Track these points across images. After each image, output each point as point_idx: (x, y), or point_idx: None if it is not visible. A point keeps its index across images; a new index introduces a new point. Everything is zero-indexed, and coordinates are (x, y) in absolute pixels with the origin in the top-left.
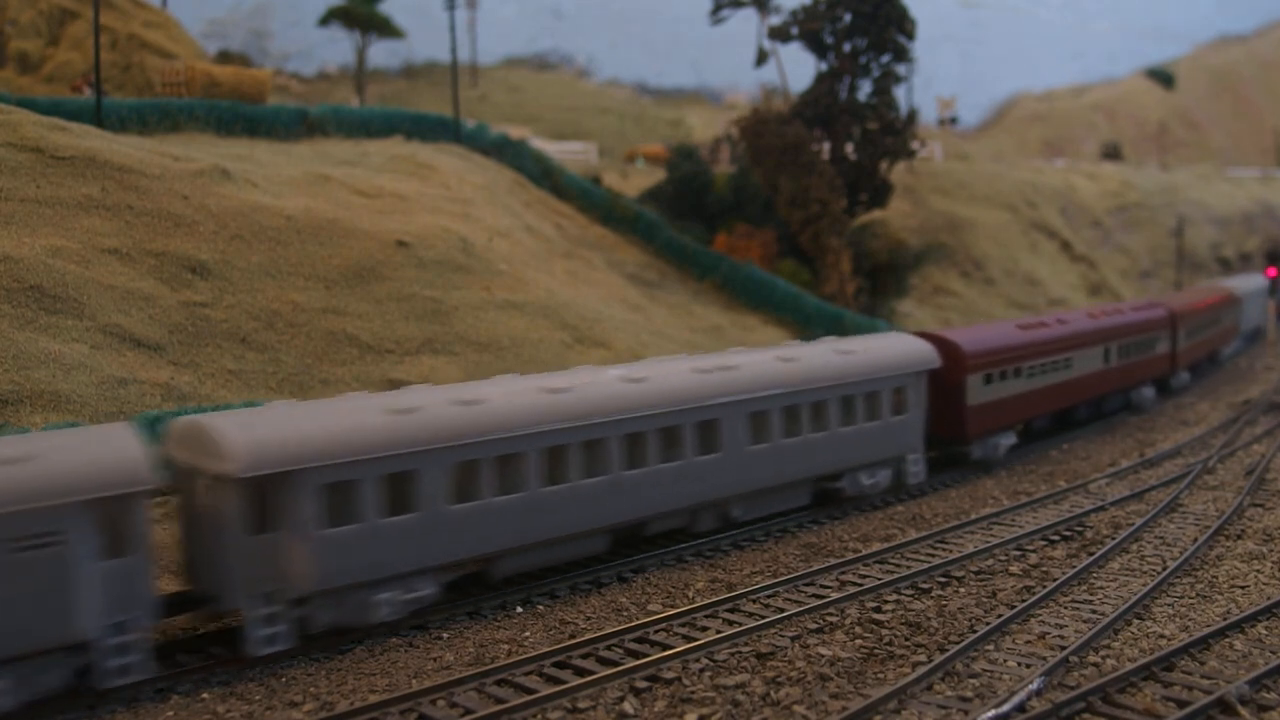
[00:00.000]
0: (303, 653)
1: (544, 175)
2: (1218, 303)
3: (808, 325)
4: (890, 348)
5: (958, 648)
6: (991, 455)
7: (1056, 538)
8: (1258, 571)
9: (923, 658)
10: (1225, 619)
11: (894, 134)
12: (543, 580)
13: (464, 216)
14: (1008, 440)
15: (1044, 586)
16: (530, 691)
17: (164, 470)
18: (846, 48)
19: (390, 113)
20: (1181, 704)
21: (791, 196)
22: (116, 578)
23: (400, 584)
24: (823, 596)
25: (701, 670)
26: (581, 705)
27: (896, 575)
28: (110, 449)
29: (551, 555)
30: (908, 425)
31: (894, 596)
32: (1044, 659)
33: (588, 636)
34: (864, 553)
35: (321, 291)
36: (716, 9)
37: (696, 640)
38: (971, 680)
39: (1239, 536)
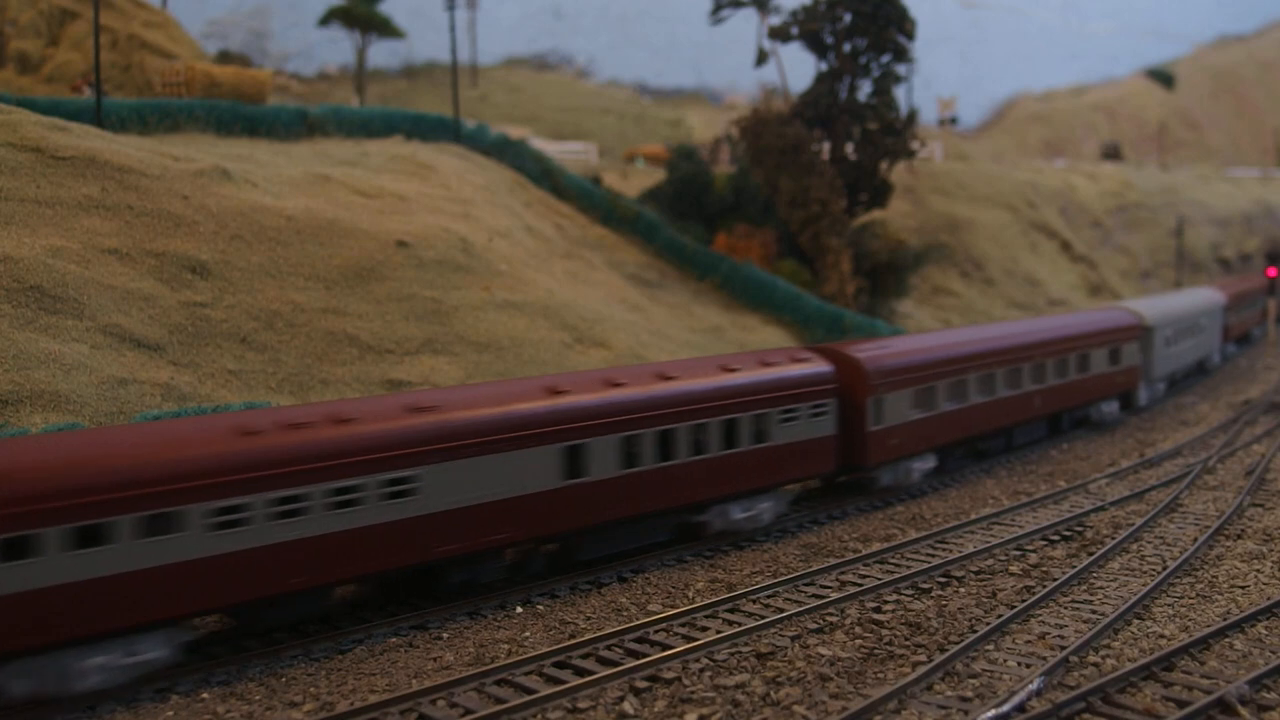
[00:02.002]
0: (303, 652)
1: (544, 175)
2: (1064, 339)
3: (807, 325)
4: None
5: (958, 648)
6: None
7: (1056, 538)
8: (1258, 571)
9: (923, 658)
10: (1225, 619)
11: (894, 134)
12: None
13: (464, 216)
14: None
15: (1044, 586)
16: (530, 691)
17: None
18: (846, 48)
19: (390, 113)
20: (1181, 704)
21: (791, 196)
22: None
23: None
24: (823, 596)
25: (701, 670)
26: (581, 705)
27: (896, 575)
28: None
29: None
30: None
31: (894, 596)
32: (1044, 659)
33: (588, 636)
34: (864, 553)
35: (321, 291)
36: (716, 9)
37: (696, 640)
38: (971, 680)
39: (1239, 536)
